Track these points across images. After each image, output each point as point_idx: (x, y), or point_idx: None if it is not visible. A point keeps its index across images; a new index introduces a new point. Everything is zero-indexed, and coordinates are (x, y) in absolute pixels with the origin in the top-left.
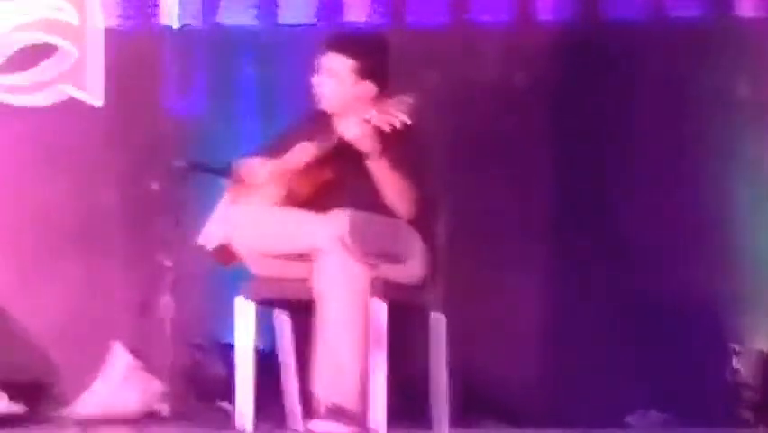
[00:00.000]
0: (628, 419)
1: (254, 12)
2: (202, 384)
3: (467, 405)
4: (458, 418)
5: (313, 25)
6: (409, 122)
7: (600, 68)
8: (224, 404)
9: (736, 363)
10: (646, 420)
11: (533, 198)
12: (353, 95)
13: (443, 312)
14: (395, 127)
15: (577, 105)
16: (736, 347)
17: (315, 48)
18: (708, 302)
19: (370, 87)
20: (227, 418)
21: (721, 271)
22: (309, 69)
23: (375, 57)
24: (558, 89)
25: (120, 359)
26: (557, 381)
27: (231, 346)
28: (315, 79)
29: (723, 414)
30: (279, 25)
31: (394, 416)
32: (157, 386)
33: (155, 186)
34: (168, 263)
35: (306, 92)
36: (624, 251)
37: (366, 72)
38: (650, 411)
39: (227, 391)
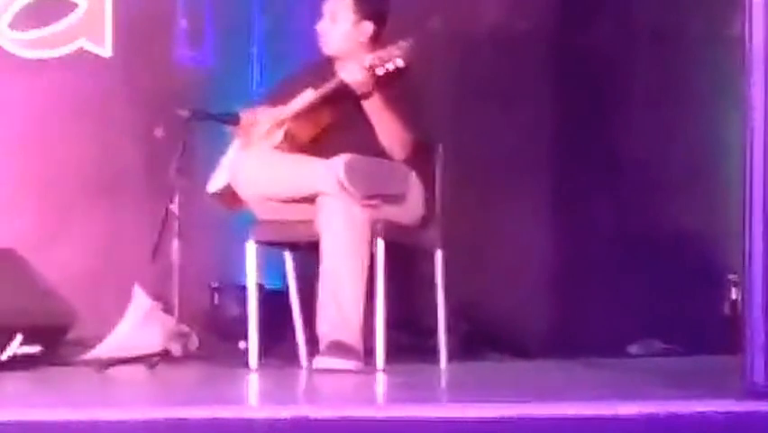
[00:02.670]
0: (630, 348)
1: None
2: (217, 325)
3: (469, 339)
4: (461, 351)
5: None
6: (404, 65)
7: (597, 10)
8: (241, 343)
9: (734, 293)
10: (648, 350)
11: (531, 136)
12: (354, 36)
13: (443, 249)
14: (392, 71)
15: (574, 48)
16: (734, 278)
17: None
18: (708, 234)
19: (369, 27)
20: (242, 356)
21: (720, 204)
22: (314, 18)
23: None
24: (555, 32)
25: (140, 301)
26: (559, 312)
27: (244, 288)
28: (318, 25)
29: (722, 343)
30: None
31: (395, 351)
32: (175, 327)
33: (162, 134)
34: (174, 209)
35: (313, 41)
36: (624, 184)
37: (365, 12)
38: (651, 341)
39: (242, 330)
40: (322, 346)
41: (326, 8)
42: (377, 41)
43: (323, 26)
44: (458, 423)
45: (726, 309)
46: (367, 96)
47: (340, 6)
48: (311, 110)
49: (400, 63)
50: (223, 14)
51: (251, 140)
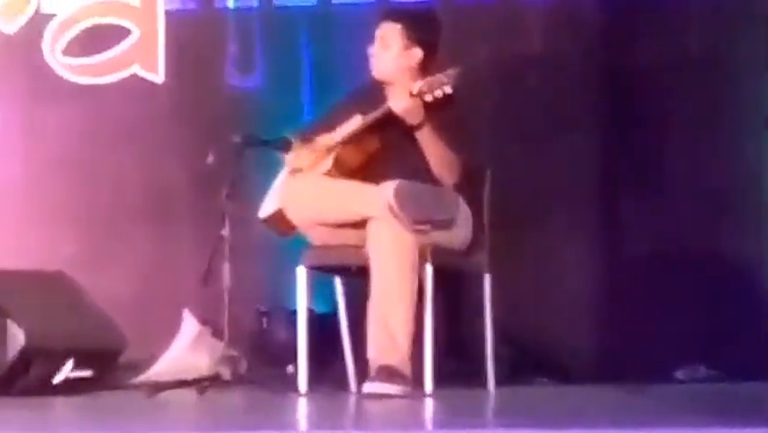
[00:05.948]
0: (677, 373)
1: None
2: (266, 349)
3: (517, 364)
4: (508, 376)
5: (367, 3)
6: (452, 92)
7: (643, 36)
8: (289, 367)
9: None
10: (694, 375)
11: (577, 162)
12: (404, 61)
13: (491, 274)
14: (440, 98)
15: (619, 74)
16: None
17: (369, 24)
18: (755, 258)
19: (418, 54)
20: (291, 381)
21: (766, 227)
22: (363, 44)
23: (424, 24)
24: (600, 59)
25: (189, 325)
26: (606, 337)
27: (293, 312)
28: (370, 49)
29: (766, 369)
30: (335, 4)
31: (443, 376)
32: (224, 351)
33: (213, 159)
34: (225, 234)
35: (361, 66)
36: (669, 209)
37: (416, 39)
38: (697, 366)
39: (291, 355)
40: (371, 371)
41: (378, 33)
42: (426, 68)
43: (374, 51)
44: None
45: None
46: (418, 127)
47: (390, 32)
48: (360, 136)
49: (449, 90)
50: (273, 40)
51: (301, 166)
